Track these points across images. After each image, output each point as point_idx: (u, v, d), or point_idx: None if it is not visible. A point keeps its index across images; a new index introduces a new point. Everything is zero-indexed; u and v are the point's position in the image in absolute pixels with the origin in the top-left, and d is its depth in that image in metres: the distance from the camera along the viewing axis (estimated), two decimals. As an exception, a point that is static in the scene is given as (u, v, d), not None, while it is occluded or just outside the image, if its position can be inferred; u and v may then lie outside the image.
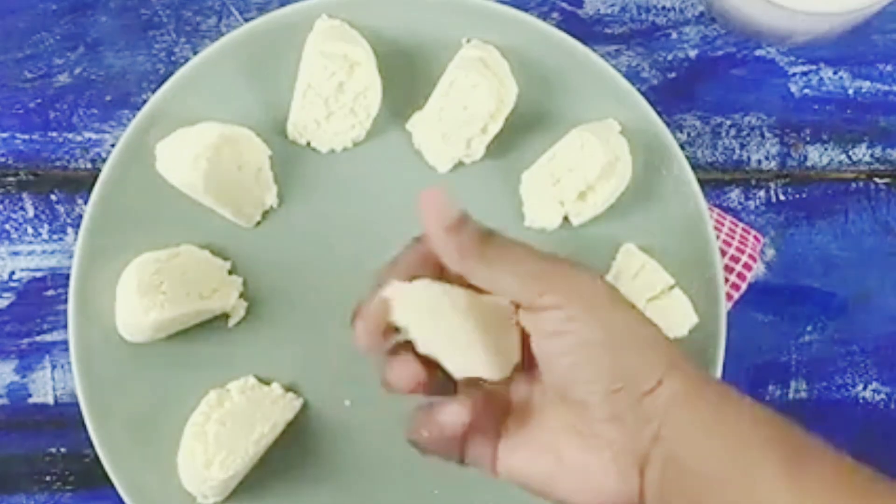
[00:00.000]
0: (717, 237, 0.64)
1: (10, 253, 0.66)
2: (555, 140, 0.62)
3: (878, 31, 0.68)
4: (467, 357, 0.47)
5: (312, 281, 0.63)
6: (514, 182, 0.63)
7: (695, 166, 0.63)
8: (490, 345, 0.47)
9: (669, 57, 0.68)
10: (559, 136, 0.62)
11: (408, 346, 0.47)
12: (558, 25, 0.64)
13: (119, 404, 0.61)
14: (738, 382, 0.67)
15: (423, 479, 0.63)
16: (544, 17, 0.66)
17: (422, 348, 0.47)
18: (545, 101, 0.63)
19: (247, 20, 0.65)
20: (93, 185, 0.61)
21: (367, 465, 0.63)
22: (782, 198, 0.68)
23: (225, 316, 0.62)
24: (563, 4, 0.67)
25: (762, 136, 0.68)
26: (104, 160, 0.63)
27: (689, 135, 0.68)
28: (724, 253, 0.64)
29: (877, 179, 0.69)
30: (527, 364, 0.48)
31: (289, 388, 0.63)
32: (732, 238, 0.65)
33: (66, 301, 0.61)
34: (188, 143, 0.60)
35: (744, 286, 0.65)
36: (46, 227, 0.66)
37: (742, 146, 0.68)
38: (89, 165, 0.66)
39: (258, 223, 0.63)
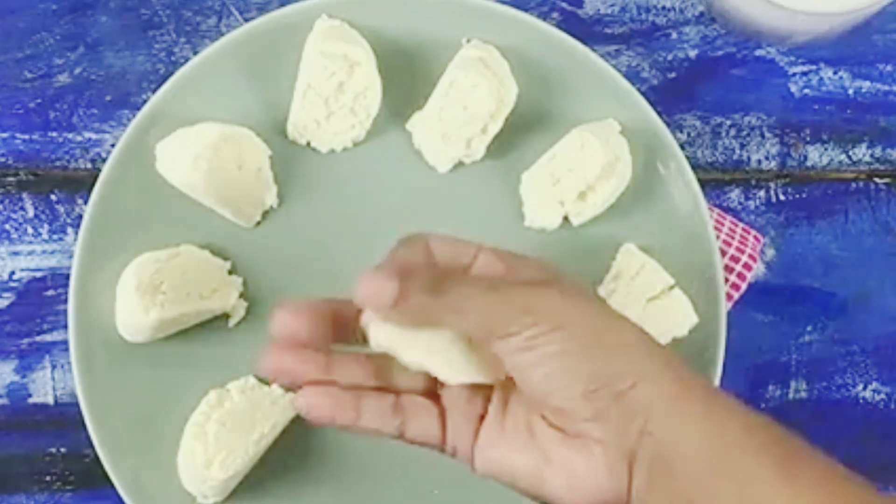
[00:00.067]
0: (717, 237, 0.64)
1: (10, 253, 0.66)
2: (555, 140, 0.62)
3: (878, 31, 0.68)
4: (458, 364, 0.47)
5: (312, 281, 0.63)
6: (514, 182, 0.63)
7: (695, 166, 0.63)
8: (478, 347, 0.47)
9: (669, 57, 0.68)
10: (559, 136, 0.62)
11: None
12: (558, 25, 0.64)
13: (119, 404, 0.61)
14: (738, 382, 0.67)
15: (423, 479, 0.63)
16: (544, 17, 0.66)
17: (409, 362, 0.47)
18: (545, 101, 0.63)
19: (247, 20, 0.65)
20: (93, 185, 0.61)
21: (367, 465, 0.63)
22: (782, 198, 0.68)
23: (225, 316, 0.62)
24: (563, 4, 0.67)
25: (762, 136, 0.68)
26: (104, 160, 0.63)
27: (689, 135, 0.68)
28: (724, 253, 0.64)
29: (877, 179, 0.69)
30: None
31: (289, 389, 0.62)
32: (732, 238, 0.65)
33: (66, 301, 0.61)
34: (188, 143, 0.60)
35: (744, 286, 0.65)
36: (46, 227, 0.66)
37: (742, 146, 0.68)
38: (89, 165, 0.66)
39: (258, 223, 0.63)
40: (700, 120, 0.68)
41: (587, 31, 0.67)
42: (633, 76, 0.66)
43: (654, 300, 0.61)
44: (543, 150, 0.62)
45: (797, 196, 0.68)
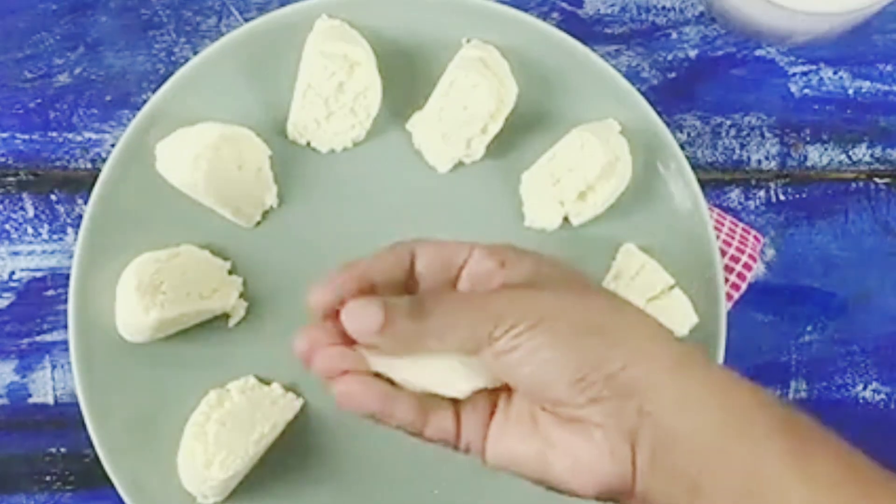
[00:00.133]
0: (717, 237, 0.64)
1: (10, 253, 0.66)
2: (555, 140, 0.62)
3: (878, 31, 0.68)
4: (457, 376, 0.47)
5: (312, 281, 0.63)
6: (514, 182, 0.63)
7: (695, 166, 0.63)
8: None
9: (669, 57, 0.68)
10: (559, 136, 0.62)
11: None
12: (558, 25, 0.64)
13: (119, 404, 0.61)
14: (738, 382, 0.67)
15: (423, 479, 0.63)
16: (544, 17, 0.66)
17: (407, 384, 0.47)
18: (545, 101, 0.63)
19: (247, 20, 0.65)
20: (93, 185, 0.61)
21: (367, 465, 0.63)
22: (782, 198, 0.68)
23: (225, 316, 0.62)
24: (563, 4, 0.67)
25: (762, 136, 0.68)
26: (104, 160, 0.63)
27: (689, 135, 0.68)
28: (724, 253, 0.64)
29: (877, 179, 0.69)
30: None
31: (289, 388, 0.63)
32: (732, 238, 0.65)
33: (66, 301, 0.61)
34: (188, 143, 0.60)
35: (744, 286, 0.65)
36: (46, 227, 0.66)
37: (742, 146, 0.68)
38: (89, 165, 0.66)
39: (258, 223, 0.63)
40: (700, 120, 0.68)
41: (587, 31, 0.67)
42: (633, 76, 0.66)
43: (654, 300, 0.61)
44: (543, 150, 0.62)
45: (797, 196, 0.68)
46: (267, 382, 0.62)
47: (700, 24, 0.68)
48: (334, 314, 0.47)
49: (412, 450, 0.63)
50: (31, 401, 0.66)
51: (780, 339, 0.68)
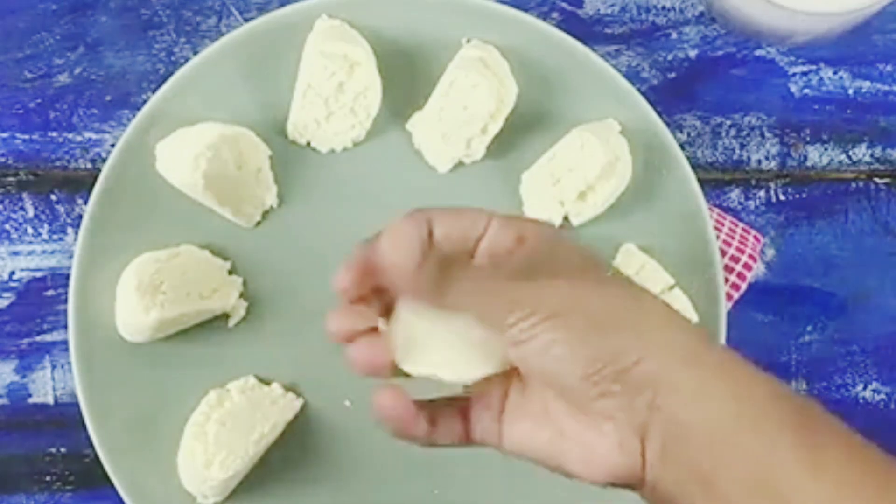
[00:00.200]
0: (717, 237, 0.64)
1: (10, 253, 0.66)
2: (555, 140, 0.62)
3: (878, 31, 0.68)
4: (468, 362, 0.47)
5: (312, 281, 0.63)
6: (514, 182, 0.63)
7: (695, 166, 0.63)
8: (484, 336, 0.47)
9: (669, 57, 0.68)
10: (559, 136, 0.62)
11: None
12: (558, 25, 0.64)
13: (119, 404, 0.61)
14: (738, 382, 0.66)
15: (422, 479, 0.63)
16: (544, 17, 0.66)
17: (419, 374, 0.47)
18: (545, 101, 0.63)
19: (247, 20, 0.65)
20: (93, 185, 0.61)
21: (367, 465, 0.63)
22: (782, 198, 0.68)
23: (225, 316, 0.62)
24: (563, 4, 0.67)
25: (762, 136, 0.68)
26: (104, 160, 0.63)
27: (689, 135, 0.68)
28: (724, 253, 0.64)
29: (877, 179, 0.69)
30: None
31: (289, 388, 0.63)
32: (732, 238, 0.65)
33: (66, 301, 0.61)
34: (188, 143, 0.60)
35: (744, 286, 0.65)
36: (46, 227, 0.66)
37: (742, 146, 0.68)
38: (89, 165, 0.66)
39: (258, 223, 0.63)
40: (700, 120, 0.68)
41: (587, 31, 0.67)
42: (633, 76, 0.66)
43: (654, 300, 0.61)
44: (543, 150, 0.62)
45: (797, 196, 0.68)
46: (267, 382, 0.62)
47: (700, 24, 0.68)
48: (359, 298, 0.47)
49: (412, 450, 0.63)
50: (31, 401, 0.66)
51: (780, 339, 0.68)
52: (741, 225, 0.66)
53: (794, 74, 0.68)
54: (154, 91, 0.61)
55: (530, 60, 0.62)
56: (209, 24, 0.67)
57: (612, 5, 0.68)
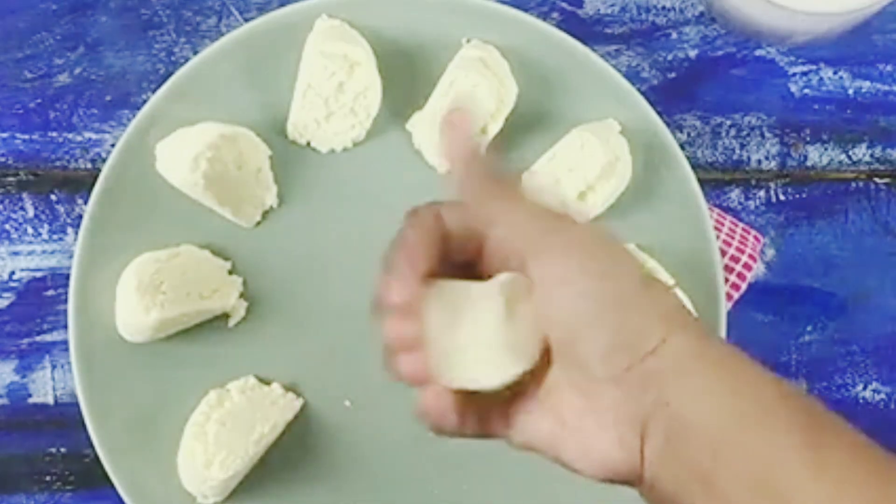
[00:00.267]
0: (717, 237, 0.64)
1: (10, 253, 0.66)
2: (555, 140, 0.62)
3: (878, 31, 0.68)
4: (493, 367, 0.47)
5: (312, 281, 0.63)
6: (514, 182, 0.63)
7: (695, 166, 0.63)
8: (512, 336, 0.47)
9: (669, 57, 0.68)
10: (559, 136, 0.62)
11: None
12: (558, 25, 0.64)
13: (119, 404, 0.61)
14: (738, 382, 0.67)
15: (422, 480, 0.63)
16: (544, 17, 0.66)
17: (460, 385, 0.47)
18: (545, 101, 0.63)
19: (247, 20, 0.65)
20: (93, 185, 0.61)
21: (366, 465, 0.63)
22: (782, 198, 0.68)
23: (225, 316, 0.62)
24: (563, 4, 0.67)
25: (762, 136, 0.68)
26: (104, 160, 0.63)
27: (689, 135, 0.68)
28: (724, 253, 0.64)
29: (877, 179, 0.69)
30: None
31: (289, 388, 0.63)
32: (732, 238, 0.65)
33: (66, 301, 0.61)
34: (188, 143, 0.60)
35: (744, 286, 0.65)
36: (46, 227, 0.66)
37: (742, 146, 0.68)
38: (89, 165, 0.66)
39: (258, 223, 0.63)
40: (700, 120, 0.68)
41: (587, 31, 0.67)
42: (633, 76, 0.66)
43: (654, 300, 0.61)
44: (543, 150, 0.62)
45: (797, 196, 0.68)
46: (267, 382, 0.62)
47: (700, 24, 0.68)
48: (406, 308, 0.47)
49: (412, 450, 0.63)
50: (31, 401, 0.66)
51: (780, 339, 0.68)
52: (741, 225, 0.66)
53: (794, 74, 0.68)
54: (154, 91, 0.61)
55: (530, 60, 0.62)
56: (209, 24, 0.67)
57: (612, 5, 0.68)
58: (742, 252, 0.65)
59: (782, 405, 0.43)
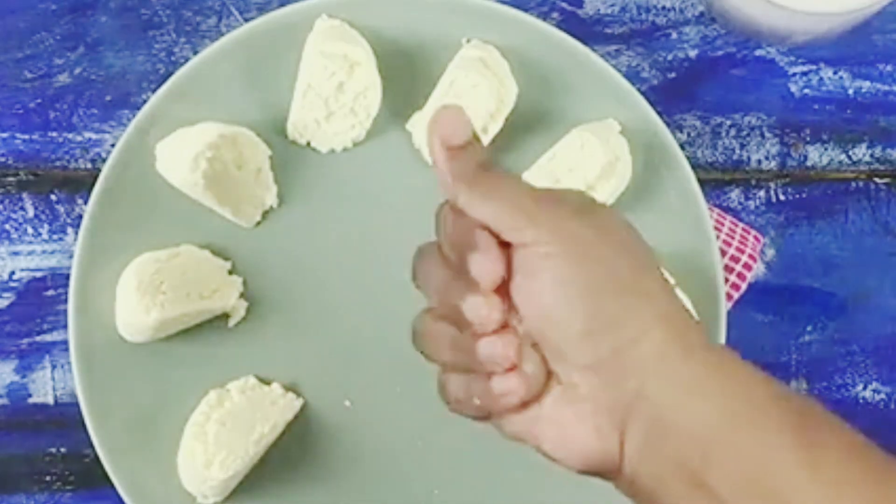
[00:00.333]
0: (717, 237, 0.64)
1: (10, 253, 0.66)
2: (555, 140, 0.62)
3: (878, 31, 0.68)
4: None
5: (312, 281, 0.63)
6: (514, 182, 0.63)
7: (695, 166, 0.63)
8: None
9: (669, 57, 0.68)
10: (559, 136, 0.62)
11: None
12: (558, 25, 0.64)
13: (119, 404, 0.61)
14: (738, 382, 0.66)
15: (422, 480, 0.63)
16: (544, 17, 0.66)
17: None
18: (545, 101, 0.63)
19: (247, 20, 0.65)
20: (93, 185, 0.61)
21: (367, 466, 0.63)
22: (782, 198, 0.68)
23: (225, 316, 0.62)
24: (563, 4, 0.67)
25: (762, 136, 0.68)
26: (104, 160, 0.63)
27: (689, 135, 0.68)
28: (724, 253, 0.64)
29: (877, 179, 0.69)
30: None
31: (289, 388, 0.63)
32: (732, 238, 0.65)
33: (66, 301, 0.61)
34: (188, 143, 0.59)
35: (744, 286, 0.65)
36: (46, 227, 0.66)
37: (742, 146, 0.68)
38: (89, 165, 0.66)
39: (258, 223, 0.63)
40: (700, 120, 0.68)
41: (587, 31, 0.67)
42: (633, 76, 0.66)
43: (654, 300, 0.61)
44: (543, 150, 0.62)
45: (797, 196, 0.68)
46: (267, 382, 0.62)
47: (700, 24, 0.68)
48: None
49: (412, 450, 0.63)
50: (31, 401, 0.66)
51: (780, 339, 0.68)
52: (741, 225, 0.66)
53: (794, 74, 0.68)
54: (154, 91, 0.61)
55: (530, 60, 0.62)
56: (209, 24, 0.67)
57: (612, 5, 0.68)
58: (742, 252, 0.65)
59: (774, 405, 0.42)
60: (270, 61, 0.62)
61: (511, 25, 0.62)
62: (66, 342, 0.61)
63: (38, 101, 0.66)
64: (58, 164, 0.66)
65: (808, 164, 0.68)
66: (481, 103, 0.60)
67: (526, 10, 0.62)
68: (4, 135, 0.66)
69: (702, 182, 0.62)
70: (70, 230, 0.66)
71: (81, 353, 0.61)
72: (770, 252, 0.68)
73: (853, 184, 0.68)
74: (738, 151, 0.68)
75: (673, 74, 0.68)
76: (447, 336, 0.46)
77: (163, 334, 0.60)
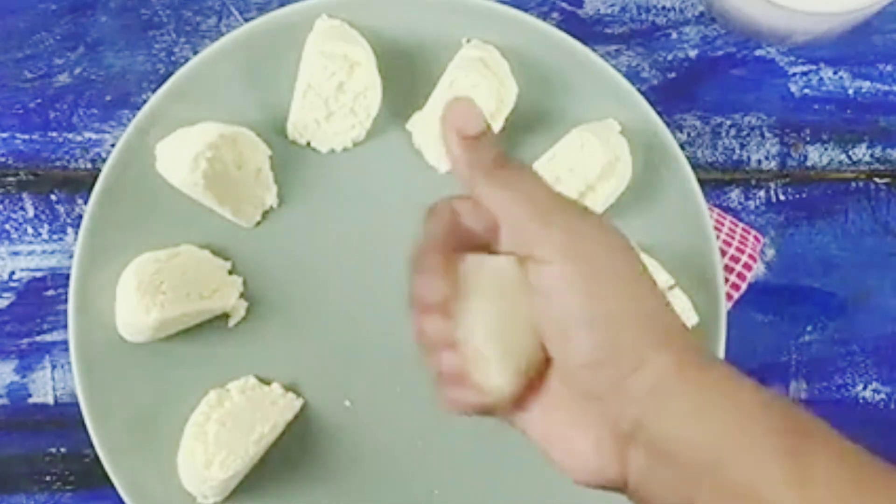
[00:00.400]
0: (717, 237, 0.64)
1: (10, 253, 0.66)
2: (555, 140, 0.62)
3: (878, 31, 0.68)
4: (498, 371, 0.46)
5: (312, 281, 0.63)
6: (514, 182, 0.63)
7: (695, 166, 0.63)
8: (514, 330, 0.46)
9: (669, 57, 0.68)
10: (559, 136, 0.62)
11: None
12: (558, 25, 0.64)
13: (119, 404, 0.61)
14: (738, 382, 0.66)
15: (422, 480, 0.63)
16: (544, 17, 0.66)
17: None
18: (545, 101, 0.63)
19: (247, 20, 0.65)
20: (93, 185, 0.61)
21: (367, 466, 0.63)
22: (782, 198, 0.68)
23: (225, 316, 0.62)
24: (563, 4, 0.67)
25: (762, 136, 0.68)
26: (104, 160, 0.63)
27: (689, 135, 0.68)
28: (724, 253, 0.64)
29: (877, 179, 0.69)
30: None
31: (289, 388, 0.63)
32: (732, 238, 0.65)
33: (66, 301, 0.61)
34: (188, 143, 0.60)
35: (744, 286, 0.65)
36: (46, 227, 0.66)
37: (742, 146, 0.68)
38: (89, 165, 0.66)
39: (258, 223, 0.63)
40: (700, 120, 0.68)
41: (587, 31, 0.67)
42: (633, 76, 0.66)
43: (654, 300, 0.61)
44: (543, 150, 0.62)
45: (797, 196, 0.68)
46: (267, 382, 0.62)
47: (700, 24, 0.68)
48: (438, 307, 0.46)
49: (412, 451, 0.63)
50: (31, 401, 0.66)
51: (780, 339, 0.68)
52: (741, 225, 0.66)
53: (794, 74, 0.68)
54: (154, 91, 0.61)
55: (530, 60, 0.62)
56: (209, 24, 0.67)
57: (612, 5, 0.68)
58: (742, 252, 0.65)
59: (762, 414, 0.43)
60: (270, 61, 0.62)
61: (511, 25, 0.62)
62: (66, 342, 0.61)
63: (38, 101, 0.66)
64: (58, 164, 0.66)
65: (808, 164, 0.68)
66: (481, 103, 0.59)
67: (526, 10, 0.62)
68: (4, 135, 0.66)
69: (702, 182, 0.62)
70: (70, 230, 0.66)
71: (81, 353, 0.61)
72: (770, 252, 0.68)
73: (853, 184, 0.68)
74: (738, 151, 0.68)
75: (673, 74, 0.68)
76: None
77: (163, 334, 0.60)
